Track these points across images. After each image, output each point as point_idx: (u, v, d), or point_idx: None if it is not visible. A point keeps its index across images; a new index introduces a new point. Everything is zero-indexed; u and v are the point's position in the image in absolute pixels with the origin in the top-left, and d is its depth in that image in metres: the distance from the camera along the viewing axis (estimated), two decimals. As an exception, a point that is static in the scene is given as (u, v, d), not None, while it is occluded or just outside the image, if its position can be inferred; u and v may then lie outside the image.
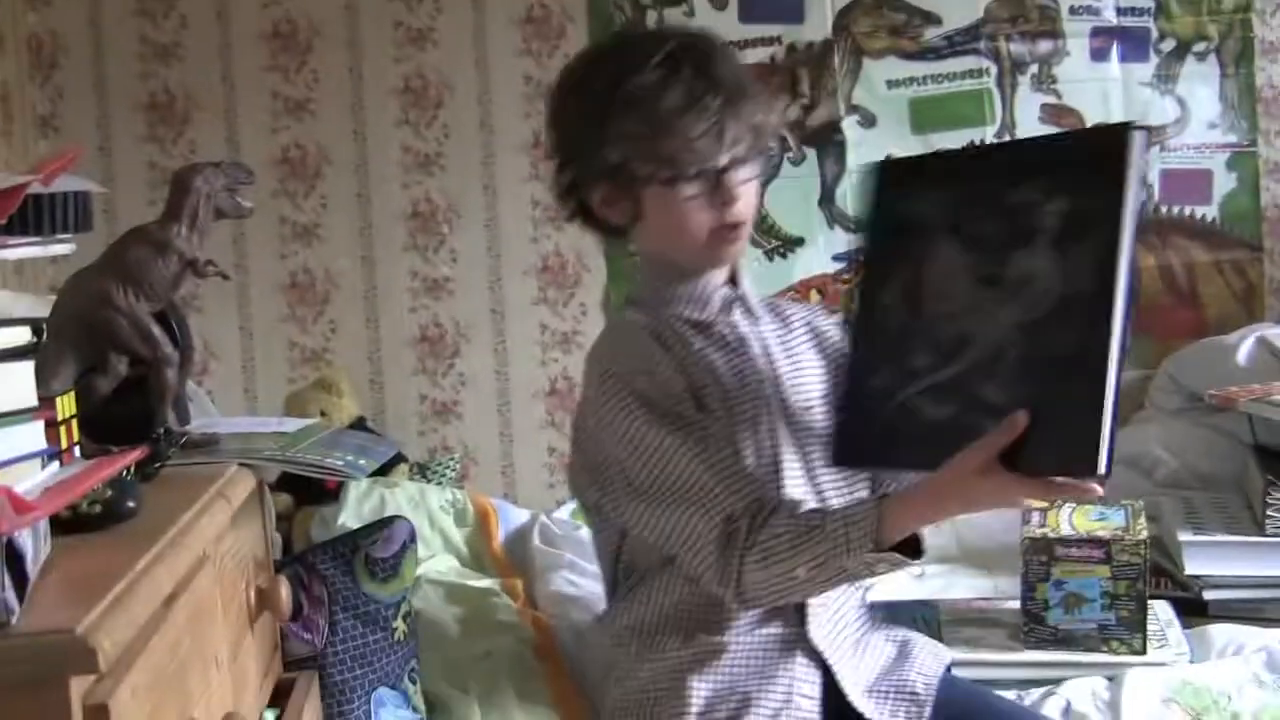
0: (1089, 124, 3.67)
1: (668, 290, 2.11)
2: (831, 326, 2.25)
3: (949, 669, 2.15)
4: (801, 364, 2.16)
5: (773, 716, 1.97)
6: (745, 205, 2.03)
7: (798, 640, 2.03)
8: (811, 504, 2.04)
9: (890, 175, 1.99)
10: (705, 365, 2.04)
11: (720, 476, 1.92)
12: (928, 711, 2.02)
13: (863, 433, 1.90)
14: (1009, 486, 1.71)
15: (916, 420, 1.83)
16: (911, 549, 1.82)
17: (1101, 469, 1.62)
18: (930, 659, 2.11)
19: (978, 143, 3.64)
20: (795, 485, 2.05)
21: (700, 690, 1.99)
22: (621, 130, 1.97)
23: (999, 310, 1.77)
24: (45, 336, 1.69)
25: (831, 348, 2.21)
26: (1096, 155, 1.72)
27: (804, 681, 2.01)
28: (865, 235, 2.00)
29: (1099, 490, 1.68)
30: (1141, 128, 1.72)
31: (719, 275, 2.12)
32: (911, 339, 1.88)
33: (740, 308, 2.14)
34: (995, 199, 1.81)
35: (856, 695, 2.02)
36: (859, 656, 2.08)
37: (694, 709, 1.98)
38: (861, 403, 1.94)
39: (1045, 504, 2.09)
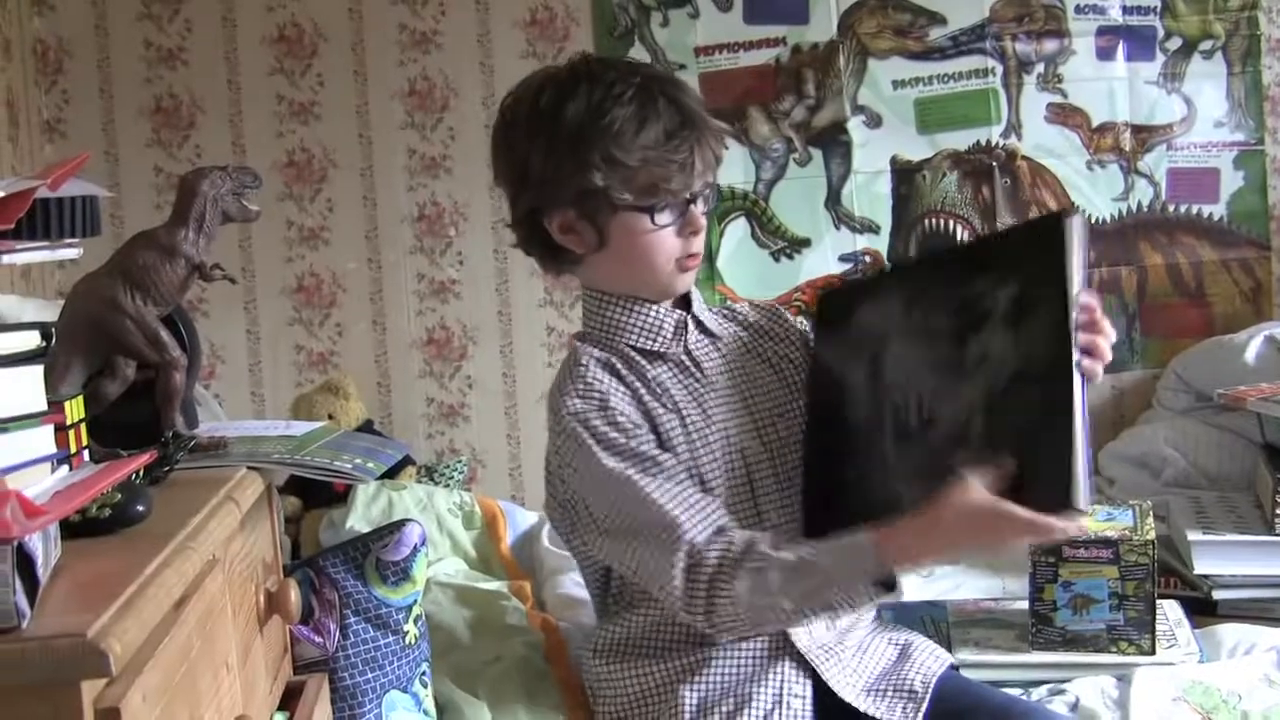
0: (1095, 124, 3.67)
1: (618, 320, 2.13)
2: (789, 325, 2.25)
3: (953, 669, 2.16)
4: (761, 376, 2.19)
5: (764, 718, 1.99)
6: (703, 235, 2.10)
7: (784, 647, 2.06)
8: (790, 521, 2.08)
9: (830, 305, 2.14)
10: (664, 395, 2.08)
11: (682, 507, 1.94)
12: (925, 707, 2.03)
13: (841, 521, 1.92)
14: (1004, 517, 1.73)
15: (896, 503, 1.88)
16: (888, 582, 1.85)
17: (1081, 505, 1.71)
18: (930, 659, 2.12)
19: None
20: (770, 503, 2.09)
21: (691, 698, 2.02)
22: (603, 158, 1.98)
23: (961, 389, 1.88)
24: (54, 341, 1.69)
25: (794, 347, 2.22)
26: (1038, 242, 1.83)
27: (795, 683, 2.04)
28: (812, 358, 2.12)
29: (1084, 527, 1.73)
30: (1077, 213, 1.84)
31: (667, 301, 2.14)
32: (875, 432, 1.99)
33: (695, 328, 2.16)
34: (945, 298, 1.93)
35: (853, 695, 2.04)
36: (859, 658, 2.11)
37: (686, 715, 1.99)
38: (834, 498, 2.04)
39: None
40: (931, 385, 1.93)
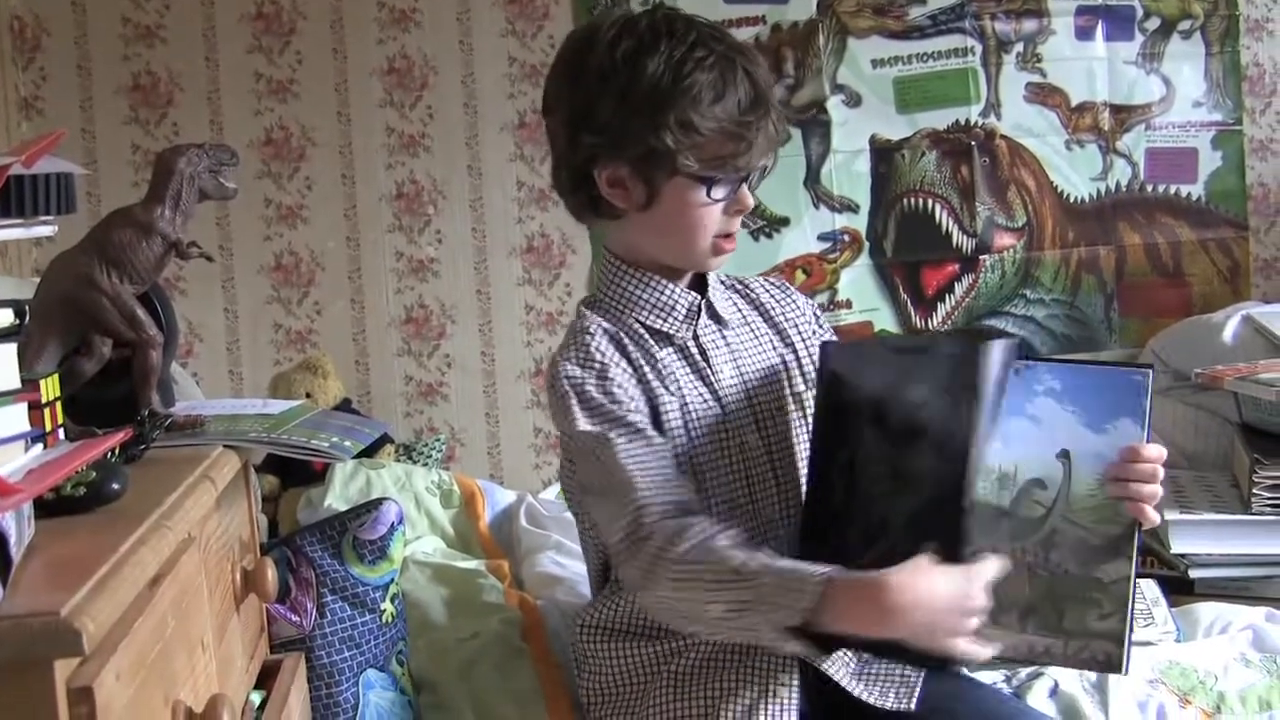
0: (1073, 104, 3.68)
1: (634, 293, 2.11)
2: (799, 303, 2.25)
3: None
4: (765, 365, 2.17)
5: (750, 706, 1.97)
6: (750, 202, 2.08)
7: None
8: (787, 518, 2.08)
9: (835, 357, 2.08)
10: (669, 378, 2.06)
11: (650, 477, 1.91)
12: (918, 692, 2.02)
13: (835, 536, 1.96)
14: (959, 575, 1.75)
15: (880, 541, 1.89)
16: (815, 636, 1.77)
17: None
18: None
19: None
20: (766, 498, 2.08)
21: (676, 680, 2.00)
22: (678, 121, 1.96)
23: (899, 501, 1.92)
24: (29, 319, 1.68)
25: (804, 327, 2.22)
26: (960, 365, 1.88)
27: (782, 672, 2.00)
28: (817, 411, 2.07)
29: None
30: (1001, 337, 1.96)
31: (685, 280, 2.13)
32: (848, 517, 1.98)
33: (706, 313, 2.14)
34: (903, 396, 1.93)
35: (845, 678, 2.02)
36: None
37: (669, 696, 1.99)
38: (836, 514, 2.02)
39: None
40: (885, 489, 1.96)
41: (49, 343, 1.65)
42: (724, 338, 2.14)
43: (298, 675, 1.83)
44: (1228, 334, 3.20)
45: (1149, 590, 2.49)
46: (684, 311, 2.11)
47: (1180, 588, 2.58)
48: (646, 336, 2.08)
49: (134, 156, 3.61)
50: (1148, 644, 2.32)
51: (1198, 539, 2.62)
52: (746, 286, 2.26)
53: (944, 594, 1.72)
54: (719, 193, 2.02)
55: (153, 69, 3.62)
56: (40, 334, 1.65)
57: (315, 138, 3.67)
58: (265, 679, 1.78)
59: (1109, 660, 1.95)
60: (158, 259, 1.71)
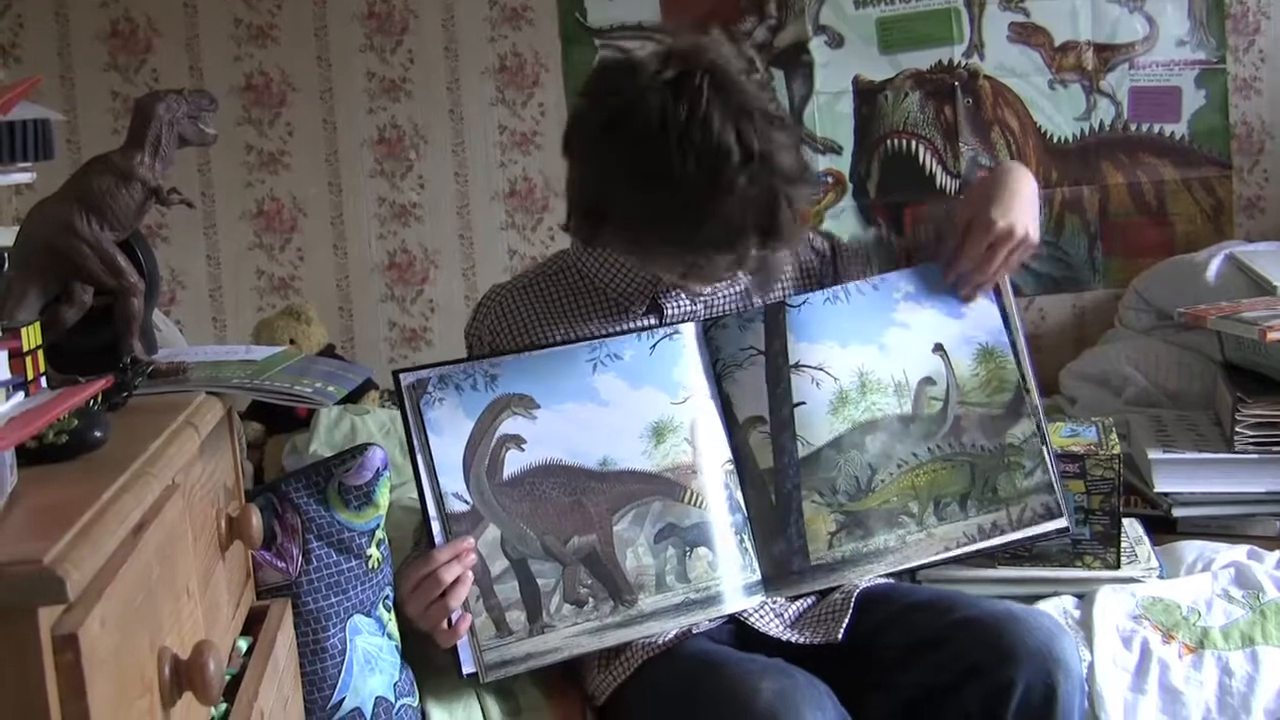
0: (1057, 43, 3.67)
1: (591, 267, 2.23)
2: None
3: (913, 581, 2.20)
4: (732, 304, 2.26)
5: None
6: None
7: None
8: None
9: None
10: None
11: None
12: (846, 622, 2.04)
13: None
14: None
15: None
16: None
17: None
18: (858, 580, 2.13)
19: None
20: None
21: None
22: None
23: None
24: (8, 267, 1.68)
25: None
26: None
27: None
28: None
29: None
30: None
31: None
32: None
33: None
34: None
35: (778, 629, 2.06)
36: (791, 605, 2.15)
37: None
38: None
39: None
40: None
41: (29, 291, 1.65)
42: (687, 297, 2.17)
43: (284, 621, 1.83)
44: (1211, 273, 3.20)
45: (1132, 529, 2.50)
46: (637, 288, 2.19)
47: (1163, 526, 2.59)
48: (601, 307, 2.22)
49: (113, 103, 3.59)
50: (1131, 580, 2.33)
51: (1181, 478, 2.62)
52: None
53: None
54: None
55: (131, 15, 3.60)
56: (20, 282, 1.64)
57: (295, 83, 3.65)
58: (252, 625, 1.78)
59: (1049, 510, 2.14)
60: (138, 206, 1.70)
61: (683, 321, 2.17)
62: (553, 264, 2.28)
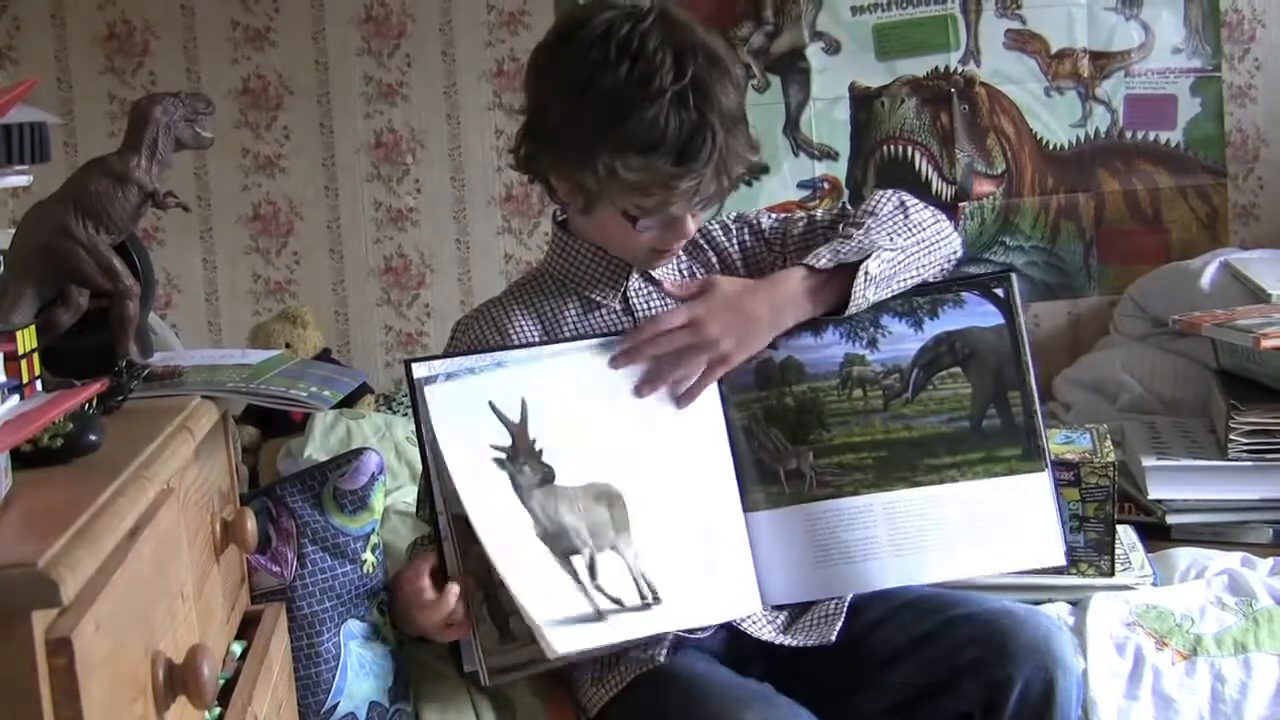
0: (1053, 51, 3.67)
1: (565, 264, 2.19)
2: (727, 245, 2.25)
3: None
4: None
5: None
6: (689, 231, 2.09)
7: None
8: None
9: None
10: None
11: None
12: (840, 624, 2.03)
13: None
14: None
15: None
16: None
17: None
18: (852, 592, 2.11)
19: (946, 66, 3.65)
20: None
21: None
22: (605, 167, 1.95)
23: None
24: (4, 269, 1.68)
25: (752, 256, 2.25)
26: None
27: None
28: None
29: None
30: None
31: None
32: None
33: (640, 278, 2.18)
34: None
35: (770, 634, 2.05)
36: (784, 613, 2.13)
37: None
38: None
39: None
40: None
41: (25, 293, 1.64)
42: (659, 297, 2.15)
43: (279, 625, 1.83)
44: (1205, 280, 3.20)
45: (1126, 536, 2.50)
46: (609, 278, 2.16)
47: (1157, 533, 2.60)
48: (575, 306, 2.17)
49: (110, 106, 3.59)
50: (1125, 587, 2.33)
51: (1175, 485, 2.63)
52: (704, 233, 2.25)
53: None
54: (645, 227, 2.04)
55: (128, 17, 3.60)
56: (16, 285, 1.64)
57: (292, 86, 3.65)
58: (246, 629, 1.78)
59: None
60: (134, 209, 1.70)
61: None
62: (517, 284, 2.25)
